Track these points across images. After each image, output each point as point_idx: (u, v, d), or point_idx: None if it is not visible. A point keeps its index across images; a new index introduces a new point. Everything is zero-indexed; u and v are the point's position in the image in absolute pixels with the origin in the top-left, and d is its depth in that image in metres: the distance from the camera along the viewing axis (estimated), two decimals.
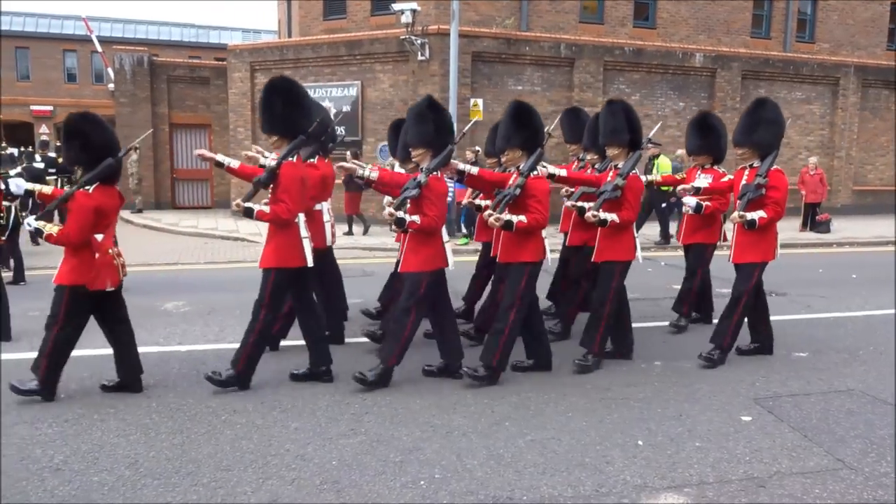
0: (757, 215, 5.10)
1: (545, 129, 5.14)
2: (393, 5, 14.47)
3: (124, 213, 14.99)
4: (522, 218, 4.66)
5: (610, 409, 4.45)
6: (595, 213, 5.08)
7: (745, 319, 5.53)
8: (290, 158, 4.59)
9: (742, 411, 4.43)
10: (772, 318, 5.76)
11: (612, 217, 5.09)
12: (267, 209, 4.51)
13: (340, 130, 15.17)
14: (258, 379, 4.77)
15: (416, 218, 4.57)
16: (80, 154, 4.34)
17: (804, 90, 18.09)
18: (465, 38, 14.24)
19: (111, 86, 21.87)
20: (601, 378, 5.07)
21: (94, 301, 4.40)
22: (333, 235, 5.86)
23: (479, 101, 14.84)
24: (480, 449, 3.83)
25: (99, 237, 4.30)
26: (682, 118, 16.61)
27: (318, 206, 5.51)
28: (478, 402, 4.53)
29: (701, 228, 6.34)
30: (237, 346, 4.74)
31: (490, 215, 4.67)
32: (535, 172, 4.83)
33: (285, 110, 4.64)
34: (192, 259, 11.19)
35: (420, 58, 14.45)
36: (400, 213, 4.52)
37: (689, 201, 5.83)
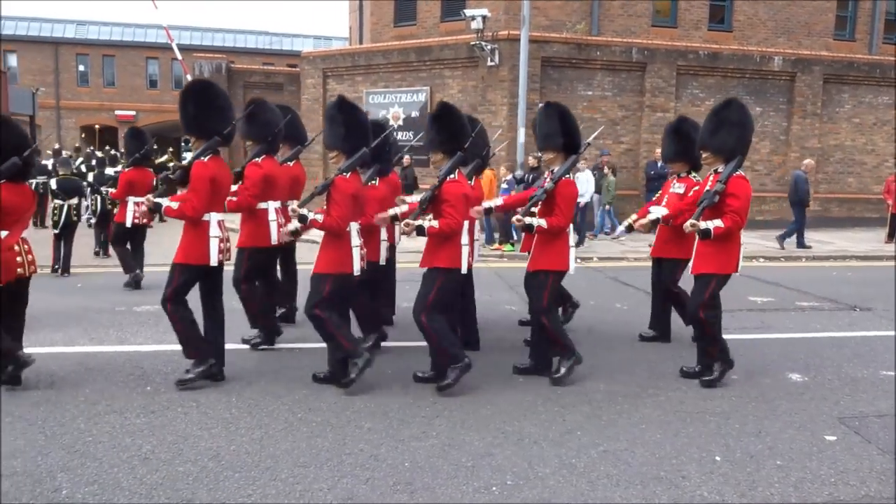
0: (713, 224, 4.71)
1: (586, 140, 5.28)
2: (464, 11, 14.59)
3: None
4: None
5: (685, 423, 4.35)
6: (520, 217, 4.88)
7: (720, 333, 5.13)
8: (203, 158, 4.67)
9: (826, 430, 4.25)
10: (857, 333, 5.51)
11: (539, 222, 4.86)
12: (175, 206, 4.65)
13: (408, 135, 15.39)
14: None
15: (319, 216, 4.57)
16: None
17: (892, 95, 17.22)
18: (535, 43, 14.20)
19: None
20: (675, 390, 4.96)
21: None
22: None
23: None
24: (552, 457, 3.81)
25: (3, 234, 4.46)
26: (758, 123, 16.08)
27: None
28: (548, 410, 4.50)
29: (672, 241, 5.92)
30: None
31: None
32: (568, 176, 4.98)
33: (198, 112, 4.73)
34: None
35: (489, 63, 14.49)
36: (304, 211, 4.57)
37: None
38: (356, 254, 4.76)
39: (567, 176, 4.94)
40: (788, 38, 17.70)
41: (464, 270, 4.80)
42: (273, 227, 5.69)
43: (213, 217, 4.72)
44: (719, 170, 4.95)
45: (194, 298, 4.86)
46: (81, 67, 35.53)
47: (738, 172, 4.80)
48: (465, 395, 4.74)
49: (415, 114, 15.35)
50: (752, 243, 13.50)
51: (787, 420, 4.42)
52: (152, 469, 3.58)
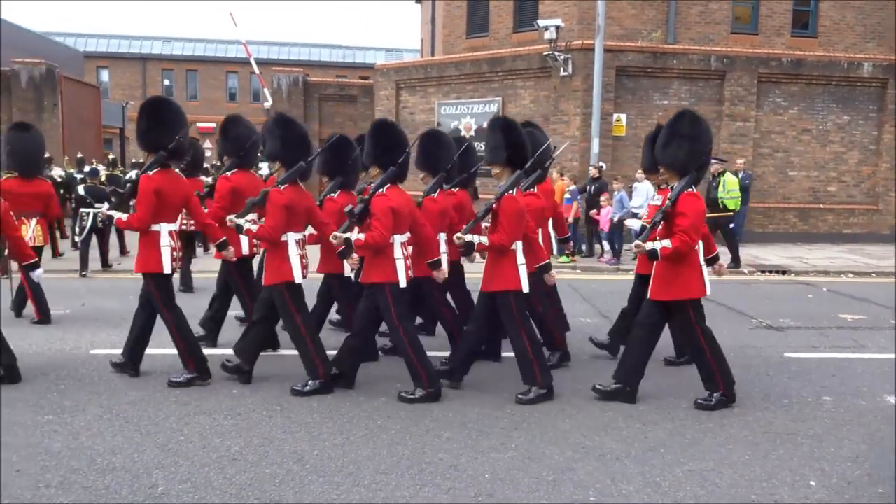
0: (660, 245, 4.46)
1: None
2: (537, 22, 14.55)
3: None
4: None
5: (775, 444, 4.17)
6: (459, 236, 4.75)
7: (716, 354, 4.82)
8: (149, 172, 4.92)
9: None
10: None
11: (479, 239, 4.73)
12: (125, 217, 4.95)
13: (481, 146, 15.40)
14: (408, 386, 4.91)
15: (253, 226, 4.78)
16: None
17: None
18: (610, 52, 14.02)
19: (267, 104, 23.52)
20: (762, 410, 4.77)
21: None
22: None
23: (623, 117, 14.54)
24: (636, 475, 3.72)
25: None
26: (846, 132, 15.39)
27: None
28: (629, 426, 4.41)
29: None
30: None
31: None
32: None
33: (147, 127, 4.97)
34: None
35: (562, 73, 14.39)
36: (240, 222, 4.84)
37: (633, 224, 5.55)
38: (296, 262, 4.87)
39: (511, 192, 4.73)
40: (878, 43, 16.85)
41: (402, 284, 4.76)
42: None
43: (164, 227, 4.96)
44: (673, 186, 4.70)
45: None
46: (167, 82, 37.34)
47: (689, 189, 4.53)
48: (542, 407, 4.69)
49: (487, 124, 15.40)
50: (839, 258, 12.89)
51: (887, 445, 4.18)
52: (240, 470, 3.69)
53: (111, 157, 14.25)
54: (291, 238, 4.87)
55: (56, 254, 11.23)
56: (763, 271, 11.47)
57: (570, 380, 5.27)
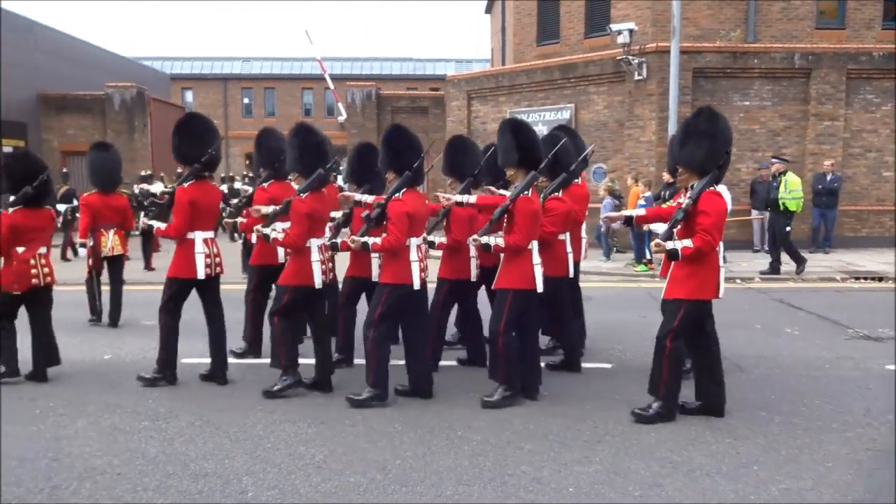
0: (681, 245, 4.29)
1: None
2: (609, 26, 14.34)
3: None
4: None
5: (879, 463, 3.91)
6: (476, 237, 4.79)
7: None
8: (184, 185, 5.25)
9: None
10: None
11: (496, 241, 4.71)
12: (163, 226, 5.31)
13: None
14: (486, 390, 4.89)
15: (280, 235, 5.00)
16: (7, 184, 5.36)
17: None
18: (686, 54, 13.64)
19: (341, 118, 24.10)
20: (864, 426, 4.49)
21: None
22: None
23: None
24: (728, 492, 3.57)
25: (20, 249, 5.28)
26: None
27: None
28: (719, 441, 4.23)
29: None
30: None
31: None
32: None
33: (180, 142, 5.31)
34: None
35: (637, 77, 14.10)
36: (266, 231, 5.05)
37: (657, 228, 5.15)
38: (317, 268, 5.04)
39: (526, 193, 4.72)
40: None
41: (416, 286, 4.88)
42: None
43: (199, 235, 5.25)
44: (694, 186, 4.51)
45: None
46: (246, 100, 38.80)
47: (712, 188, 4.36)
48: (626, 420, 4.57)
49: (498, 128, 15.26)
50: None
51: None
52: (325, 478, 3.76)
53: (179, 170, 14.89)
54: (314, 244, 5.05)
55: (149, 267, 11.80)
56: (857, 278, 10.84)
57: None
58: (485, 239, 4.76)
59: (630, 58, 13.82)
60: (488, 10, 28.39)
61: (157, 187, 14.18)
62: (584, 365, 5.80)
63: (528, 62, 17.42)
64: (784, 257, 11.00)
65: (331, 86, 21.99)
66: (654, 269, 11.38)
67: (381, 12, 76.96)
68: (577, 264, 5.92)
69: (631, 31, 13.52)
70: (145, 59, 33.12)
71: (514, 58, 19.23)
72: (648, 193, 11.79)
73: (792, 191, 10.59)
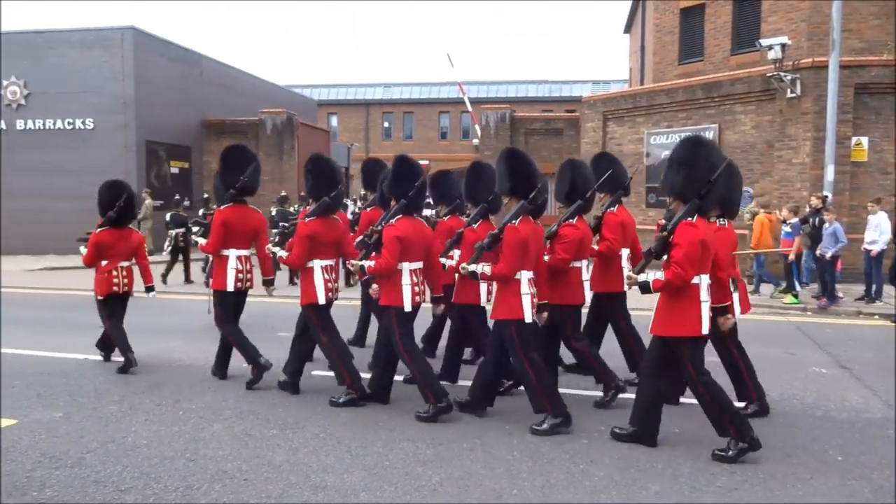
0: (652, 277, 4.19)
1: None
2: (759, 42, 13.52)
3: None
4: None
5: None
6: (465, 265, 4.91)
7: None
8: (221, 207, 5.95)
9: None
10: None
11: (482, 269, 4.80)
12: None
13: None
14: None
15: (284, 253, 5.51)
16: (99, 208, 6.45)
17: None
18: (847, 69, 12.54)
19: (475, 141, 24.39)
20: None
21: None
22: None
23: (864, 140, 12.89)
24: None
25: (104, 262, 6.38)
26: None
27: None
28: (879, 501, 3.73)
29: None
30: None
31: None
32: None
33: (222, 170, 5.98)
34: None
35: (790, 95, 13.13)
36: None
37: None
38: (320, 285, 5.40)
39: (513, 222, 4.72)
40: None
41: (407, 308, 5.07)
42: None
43: (232, 252, 5.84)
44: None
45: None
46: (386, 124, 40.41)
47: (688, 219, 4.20)
48: (769, 468, 4.15)
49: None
50: None
51: None
52: (440, 501, 3.69)
53: (283, 194, 15.60)
54: (317, 264, 5.41)
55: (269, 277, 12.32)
56: None
57: (809, 439, 4.63)
58: (472, 267, 4.88)
59: (782, 74, 12.90)
60: (627, 29, 27.80)
61: (291, 208, 14.84)
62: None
63: (668, 81, 16.79)
64: None
65: (469, 108, 22.31)
66: (810, 303, 10.45)
67: (520, 36, 77.75)
68: (622, 294, 5.79)
69: (783, 45, 12.65)
70: (296, 86, 35.38)
71: (654, 77, 18.62)
72: (795, 220, 10.87)
73: None
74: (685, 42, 17.99)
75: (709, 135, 14.48)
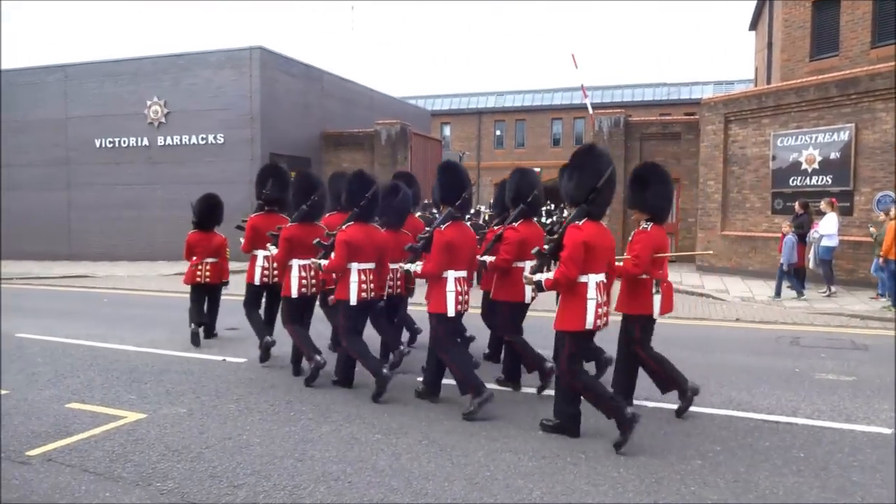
0: (543, 276, 4.64)
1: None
2: None
3: None
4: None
5: None
6: (401, 264, 5.97)
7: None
8: (252, 214, 7.31)
9: None
10: None
11: (414, 268, 5.63)
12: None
13: (827, 179, 13.50)
14: (728, 456, 4.34)
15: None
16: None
17: None
18: None
19: None
20: None
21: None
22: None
23: None
24: None
25: (193, 258, 8.04)
26: None
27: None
28: None
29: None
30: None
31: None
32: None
33: (256, 182, 7.36)
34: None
35: None
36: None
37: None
38: (295, 283, 6.28)
39: (441, 227, 5.35)
40: None
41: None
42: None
43: (260, 253, 7.10)
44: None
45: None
46: (498, 132, 40.50)
47: (576, 222, 4.57)
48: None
49: (834, 155, 13.42)
50: None
51: None
52: None
53: (426, 201, 15.71)
54: (295, 263, 6.28)
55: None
56: None
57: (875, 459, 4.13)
58: (407, 266, 5.67)
59: None
60: (752, 26, 26.31)
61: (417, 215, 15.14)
62: (853, 428, 4.91)
63: (798, 79, 15.70)
64: None
65: (591, 111, 21.84)
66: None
67: (634, 39, 75.65)
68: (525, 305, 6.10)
69: None
70: (410, 98, 36.26)
71: (782, 75, 17.49)
72: None
73: None
74: (818, 36, 16.77)
75: (843, 136, 13.42)
